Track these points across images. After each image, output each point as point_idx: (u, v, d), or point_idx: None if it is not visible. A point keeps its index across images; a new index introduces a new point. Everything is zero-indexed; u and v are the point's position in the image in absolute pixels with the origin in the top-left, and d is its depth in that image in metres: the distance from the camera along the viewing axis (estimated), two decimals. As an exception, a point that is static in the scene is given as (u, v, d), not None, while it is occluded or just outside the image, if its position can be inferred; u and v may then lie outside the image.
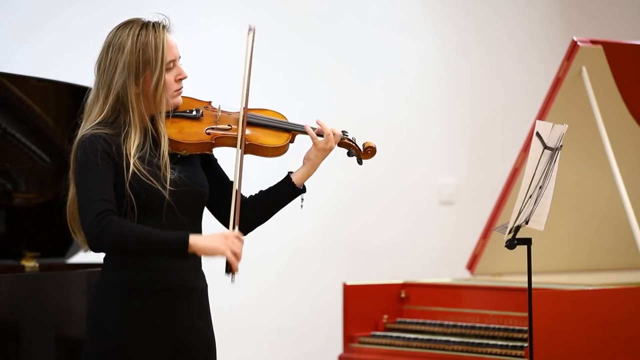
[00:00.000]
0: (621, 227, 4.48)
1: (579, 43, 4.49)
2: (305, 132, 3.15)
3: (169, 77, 3.00)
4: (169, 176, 2.94)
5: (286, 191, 3.16)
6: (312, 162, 3.16)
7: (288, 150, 3.15)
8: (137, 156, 2.92)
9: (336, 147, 3.21)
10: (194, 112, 3.08)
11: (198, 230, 3.06)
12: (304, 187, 3.18)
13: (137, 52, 2.96)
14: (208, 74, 5.45)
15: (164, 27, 3.05)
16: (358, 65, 6.21)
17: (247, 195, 3.17)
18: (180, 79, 3.04)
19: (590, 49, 4.52)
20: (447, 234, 6.40)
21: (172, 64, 3.02)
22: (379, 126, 6.26)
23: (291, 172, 3.18)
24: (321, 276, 6.01)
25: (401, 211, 6.32)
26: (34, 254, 4.38)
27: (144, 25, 3.02)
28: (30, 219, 4.49)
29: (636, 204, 4.39)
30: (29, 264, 4.36)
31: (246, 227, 3.13)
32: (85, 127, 2.96)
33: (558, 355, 3.89)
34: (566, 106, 4.52)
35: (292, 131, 3.15)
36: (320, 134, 3.15)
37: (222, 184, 3.13)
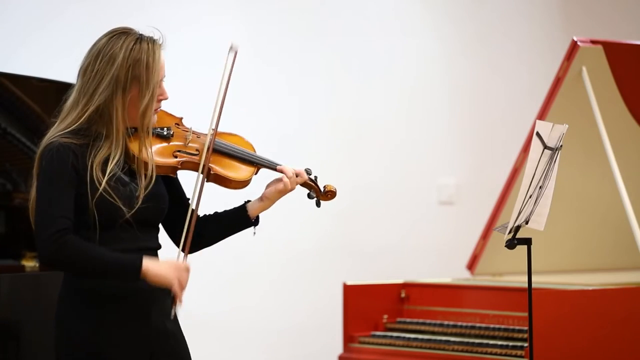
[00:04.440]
0: (621, 227, 4.48)
1: (579, 43, 4.49)
2: (270, 168, 3.14)
3: None
4: (140, 200, 2.91)
5: (239, 220, 3.15)
6: (270, 200, 3.15)
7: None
8: (110, 173, 2.88)
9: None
10: (165, 131, 3.04)
11: (155, 243, 3.04)
12: (257, 219, 3.16)
13: (127, 68, 2.91)
14: (209, 73, 5.45)
15: (159, 45, 2.98)
16: (358, 65, 6.21)
17: (200, 214, 3.13)
18: (161, 100, 3.00)
19: (590, 49, 4.52)
20: (447, 234, 6.40)
21: (158, 84, 2.97)
22: (379, 126, 6.26)
23: (248, 202, 3.16)
24: (321, 276, 6.01)
25: (401, 211, 6.32)
26: (34, 254, 4.38)
27: (138, 39, 2.95)
28: (30, 219, 4.48)
29: (636, 204, 4.39)
30: (29, 264, 4.35)
31: (193, 246, 3.09)
32: (57, 130, 2.92)
33: (558, 355, 3.89)
34: (566, 106, 4.52)
35: (258, 165, 3.14)
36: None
37: (179, 203, 3.10)
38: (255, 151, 3.17)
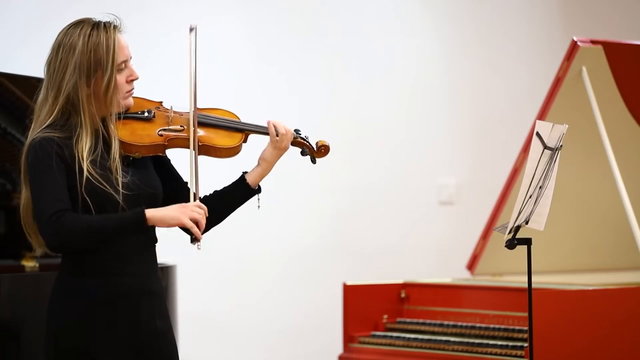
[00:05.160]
0: (621, 227, 4.48)
1: (579, 43, 4.49)
2: (258, 132, 3.14)
3: (121, 78, 2.97)
4: (120, 179, 2.92)
5: (241, 192, 3.15)
6: (268, 162, 3.15)
7: (241, 151, 3.14)
8: (89, 159, 2.89)
9: (290, 146, 3.19)
10: (146, 114, 3.05)
11: (152, 234, 3.04)
12: (259, 187, 3.16)
13: (89, 53, 2.93)
14: (208, 73, 5.45)
15: (115, 27, 3.00)
16: (358, 65, 6.22)
17: (201, 196, 3.12)
18: (132, 80, 3.01)
19: (590, 49, 4.52)
20: (447, 234, 6.40)
21: (123, 65, 2.98)
22: (379, 126, 6.26)
23: (246, 172, 3.16)
24: (321, 276, 6.01)
25: (401, 211, 6.32)
26: (34, 254, 4.38)
27: (95, 25, 2.99)
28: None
29: (636, 204, 4.39)
30: (29, 264, 4.35)
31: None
32: (36, 130, 2.93)
33: (558, 355, 3.89)
34: (566, 106, 4.52)
35: (245, 131, 3.13)
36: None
37: (177, 185, 3.11)
38: (239, 119, 3.16)
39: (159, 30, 5.45)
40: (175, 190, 3.10)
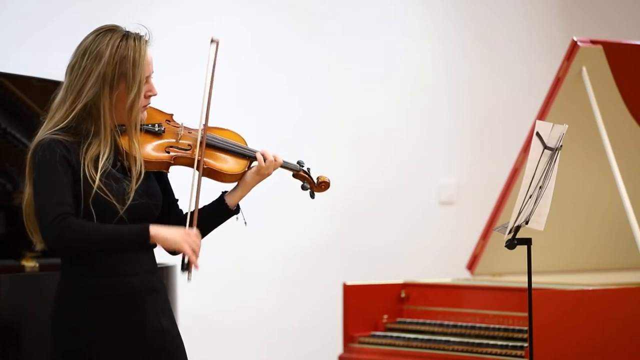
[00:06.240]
0: (621, 227, 4.48)
1: (579, 43, 4.49)
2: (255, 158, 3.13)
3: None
4: (132, 194, 2.92)
5: (219, 212, 3.14)
6: (248, 184, 3.13)
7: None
8: (102, 170, 2.88)
9: (292, 178, 3.20)
10: (156, 127, 3.04)
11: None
12: (237, 207, 3.15)
13: (114, 65, 2.91)
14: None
15: (145, 41, 2.98)
16: (358, 65, 6.21)
17: (183, 211, 3.14)
18: (150, 96, 3.00)
19: (590, 49, 4.52)
20: (447, 234, 6.40)
21: (145, 80, 2.97)
22: (379, 126, 6.26)
23: (225, 192, 3.15)
24: (321, 276, 6.01)
25: (401, 211, 6.32)
26: (34, 254, 4.38)
27: (125, 36, 2.96)
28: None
29: (636, 204, 4.39)
30: (29, 264, 4.35)
31: None
32: (47, 130, 2.92)
33: (558, 355, 3.89)
34: (566, 106, 4.53)
35: (250, 158, 3.12)
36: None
37: (167, 199, 3.10)
38: (246, 144, 3.16)
39: (158, 30, 5.44)
40: (165, 204, 3.08)
